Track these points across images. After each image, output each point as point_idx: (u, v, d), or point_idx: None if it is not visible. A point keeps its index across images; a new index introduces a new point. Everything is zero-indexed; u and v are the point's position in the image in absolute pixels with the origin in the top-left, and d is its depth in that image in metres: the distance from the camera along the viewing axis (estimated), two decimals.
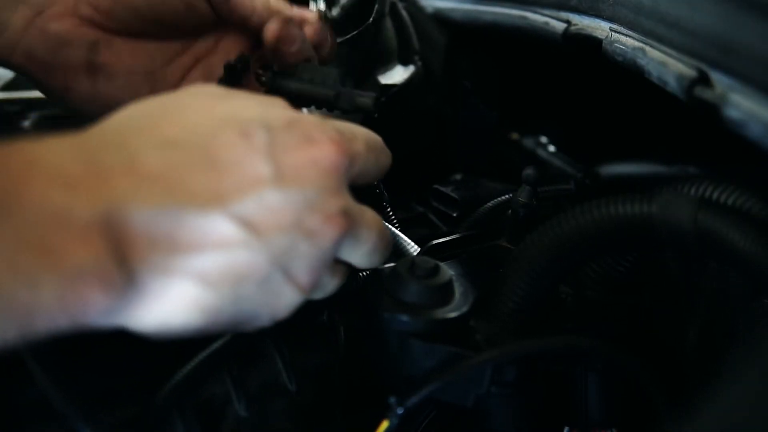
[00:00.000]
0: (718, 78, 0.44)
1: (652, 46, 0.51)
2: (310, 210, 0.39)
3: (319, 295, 0.43)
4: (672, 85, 0.47)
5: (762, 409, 0.31)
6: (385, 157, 0.46)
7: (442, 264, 0.48)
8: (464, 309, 0.46)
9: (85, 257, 0.33)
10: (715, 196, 0.45)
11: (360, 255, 0.44)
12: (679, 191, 0.47)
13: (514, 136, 0.84)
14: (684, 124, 0.60)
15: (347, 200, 0.41)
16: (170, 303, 0.37)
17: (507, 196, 0.62)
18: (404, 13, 0.76)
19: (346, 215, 0.41)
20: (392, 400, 0.43)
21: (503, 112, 0.80)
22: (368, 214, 0.43)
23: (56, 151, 0.35)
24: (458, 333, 0.46)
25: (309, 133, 0.41)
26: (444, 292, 0.47)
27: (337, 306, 0.51)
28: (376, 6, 0.63)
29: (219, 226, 0.37)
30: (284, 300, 0.40)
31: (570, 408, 0.52)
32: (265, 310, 0.40)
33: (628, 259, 0.51)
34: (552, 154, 0.78)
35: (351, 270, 0.45)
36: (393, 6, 0.72)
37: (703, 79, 0.45)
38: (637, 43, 0.52)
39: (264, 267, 0.38)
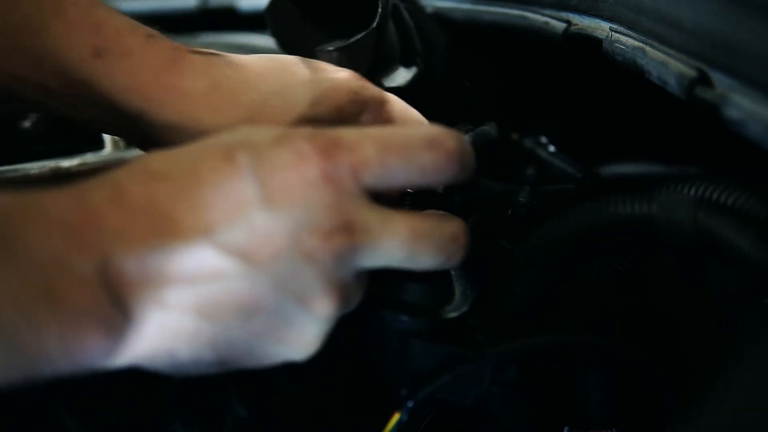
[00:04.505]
0: (718, 78, 0.44)
1: (652, 46, 0.51)
2: (305, 230, 0.37)
3: (348, 309, 0.42)
4: (672, 85, 0.47)
5: (762, 410, 0.31)
6: (427, 154, 0.40)
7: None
8: (464, 309, 0.46)
9: (85, 302, 0.34)
10: (715, 196, 0.45)
11: (397, 263, 0.41)
12: (679, 191, 0.47)
13: (514, 136, 0.84)
14: (684, 124, 0.60)
15: (353, 213, 0.38)
16: (171, 337, 0.37)
17: (507, 195, 0.62)
18: (406, 14, 0.76)
19: (348, 230, 0.38)
20: (403, 393, 0.43)
21: (503, 112, 0.80)
22: (395, 221, 0.40)
23: (54, 197, 0.35)
24: (458, 333, 0.46)
25: (298, 149, 0.38)
26: (444, 292, 0.47)
27: None
28: (380, 10, 0.63)
29: (207, 258, 0.36)
30: (309, 329, 0.39)
31: (570, 408, 0.52)
32: (287, 340, 0.39)
33: (628, 258, 0.51)
34: (552, 154, 0.78)
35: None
36: (395, 7, 0.72)
37: (704, 79, 0.45)
38: (637, 43, 0.52)
39: (269, 296, 0.37)
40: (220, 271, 0.36)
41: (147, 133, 0.49)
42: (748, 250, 0.41)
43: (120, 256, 0.35)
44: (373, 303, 0.46)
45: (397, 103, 0.53)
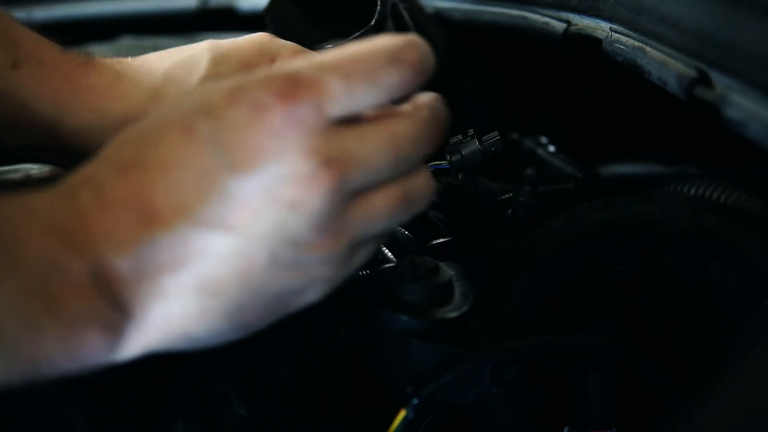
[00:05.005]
0: (718, 78, 0.44)
1: (652, 46, 0.51)
2: (282, 182, 0.35)
3: (377, 228, 0.39)
4: (672, 85, 0.47)
5: (762, 410, 0.31)
6: (397, 73, 0.38)
7: (442, 264, 0.48)
8: (464, 309, 0.46)
9: (82, 305, 0.34)
10: (715, 196, 0.45)
11: (388, 170, 0.38)
12: (679, 191, 0.47)
13: (514, 136, 0.84)
14: (684, 124, 0.60)
15: (328, 148, 0.36)
16: (180, 321, 0.37)
17: (507, 195, 0.62)
18: (405, 13, 0.76)
19: (329, 165, 0.36)
20: (408, 390, 0.43)
21: (503, 112, 0.80)
22: (368, 136, 0.38)
23: (46, 200, 0.36)
24: (458, 333, 0.46)
25: (255, 100, 0.36)
26: (444, 292, 0.47)
27: (337, 306, 0.51)
28: (378, 8, 0.63)
29: (192, 239, 0.36)
30: (319, 268, 0.38)
31: (570, 408, 0.52)
32: (302, 284, 0.38)
33: (628, 258, 0.51)
34: (552, 154, 0.78)
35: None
36: (394, 7, 0.72)
37: (703, 79, 0.45)
38: (637, 43, 0.52)
39: (264, 254, 0.36)
40: (209, 248, 0.36)
41: (67, 144, 0.52)
42: (748, 250, 0.41)
43: (111, 256, 0.35)
44: (373, 303, 0.46)
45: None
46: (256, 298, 0.37)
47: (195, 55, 0.55)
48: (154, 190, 0.36)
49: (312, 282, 0.38)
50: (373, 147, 0.38)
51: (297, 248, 0.37)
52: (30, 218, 0.35)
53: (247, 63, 0.53)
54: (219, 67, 0.53)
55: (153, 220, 0.35)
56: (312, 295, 0.39)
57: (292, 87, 0.36)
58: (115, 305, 0.35)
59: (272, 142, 0.35)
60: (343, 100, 0.37)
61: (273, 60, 0.54)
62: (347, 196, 0.37)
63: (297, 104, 0.36)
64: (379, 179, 0.38)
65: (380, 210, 0.39)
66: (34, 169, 0.61)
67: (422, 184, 0.40)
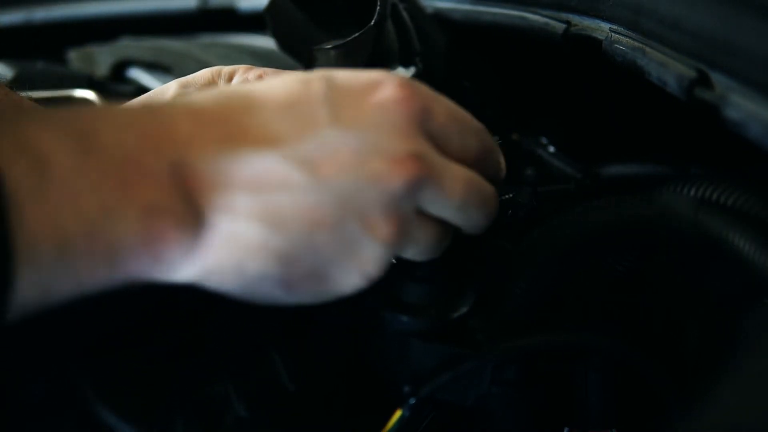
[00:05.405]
0: (718, 78, 0.44)
1: (651, 47, 0.51)
2: (374, 153, 0.38)
3: (415, 251, 0.43)
4: (672, 85, 0.47)
5: (762, 410, 0.31)
6: (476, 140, 0.43)
7: (442, 264, 0.48)
8: (464, 309, 0.46)
9: (160, 198, 0.35)
10: (715, 196, 0.45)
11: (450, 210, 0.42)
12: (679, 191, 0.47)
13: (514, 136, 0.84)
14: (684, 124, 0.60)
15: (422, 146, 0.40)
16: (239, 247, 0.37)
17: (507, 195, 0.62)
18: (405, 14, 0.76)
19: (419, 160, 0.39)
20: (405, 389, 0.44)
21: (503, 113, 0.80)
22: (454, 167, 0.42)
23: (122, 107, 0.38)
24: (458, 333, 0.46)
25: (373, 79, 0.40)
26: (444, 293, 0.47)
27: (337, 306, 0.51)
28: (378, 8, 0.63)
29: (275, 167, 0.37)
30: (368, 252, 0.39)
31: (570, 408, 0.52)
32: (349, 262, 0.39)
33: (628, 258, 0.51)
34: (552, 154, 0.78)
35: (456, 232, 0.44)
36: (394, 7, 0.72)
37: (703, 80, 0.45)
38: (636, 44, 0.52)
39: (333, 211, 0.38)
40: (287, 181, 0.37)
41: None
42: (748, 250, 0.41)
43: (192, 158, 0.36)
44: (374, 303, 0.46)
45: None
46: (310, 253, 0.38)
47: (164, 88, 0.58)
48: (251, 116, 0.38)
49: (354, 264, 0.40)
50: (452, 176, 0.41)
51: (360, 220, 0.39)
52: (106, 115, 0.37)
53: (210, 82, 0.57)
54: (186, 88, 0.56)
55: (242, 138, 0.37)
56: (348, 281, 0.40)
57: (409, 84, 0.41)
58: (191, 205, 0.36)
59: (380, 114, 0.39)
60: (440, 126, 0.41)
61: (231, 78, 0.57)
62: (417, 198, 0.40)
63: (407, 93, 0.40)
64: (441, 211, 0.42)
65: (428, 237, 0.42)
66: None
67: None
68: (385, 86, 0.40)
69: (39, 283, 0.33)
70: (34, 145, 0.33)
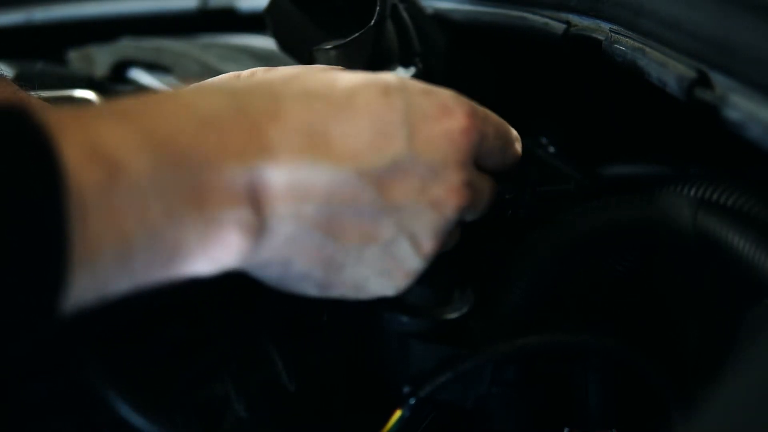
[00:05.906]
0: (718, 79, 0.44)
1: (651, 47, 0.51)
2: (436, 180, 0.40)
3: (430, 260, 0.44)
4: (672, 86, 0.47)
5: (762, 410, 0.31)
6: (513, 152, 0.47)
7: (442, 265, 0.48)
8: (464, 309, 0.46)
9: (228, 204, 0.35)
10: (715, 196, 0.45)
11: (473, 217, 0.45)
12: (679, 191, 0.47)
13: None
14: (684, 125, 0.60)
15: (472, 174, 0.42)
16: (294, 248, 0.38)
17: (507, 196, 0.62)
18: (405, 14, 0.76)
19: (470, 187, 0.42)
20: (405, 390, 0.44)
21: (503, 113, 0.80)
22: (486, 184, 0.45)
23: (209, 98, 0.36)
24: (458, 333, 0.46)
25: (445, 104, 0.42)
26: (444, 293, 0.47)
27: (337, 306, 0.51)
28: (378, 8, 0.63)
29: (351, 182, 0.38)
30: (407, 266, 0.41)
31: (570, 408, 0.52)
32: (388, 274, 0.41)
33: (628, 259, 0.51)
34: (552, 154, 0.78)
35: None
36: (394, 7, 0.72)
37: (703, 80, 0.45)
38: (636, 44, 0.52)
39: (390, 230, 0.40)
40: (357, 198, 0.38)
41: None
42: (748, 250, 0.41)
43: (273, 166, 0.36)
44: (374, 303, 0.46)
45: None
46: (357, 263, 0.40)
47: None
48: (333, 124, 0.38)
49: (391, 276, 0.41)
50: (491, 195, 0.45)
51: (411, 239, 0.41)
52: (186, 111, 0.35)
53: None
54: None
55: (323, 150, 0.37)
56: (380, 289, 0.42)
57: (473, 111, 0.42)
58: (257, 213, 0.36)
59: (445, 143, 0.41)
60: (489, 145, 0.43)
61: None
62: (461, 217, 0.43)
63: (473, 124, 0.42)
64: (467, 218, 0.44)
65: (453, 241, 0.45)
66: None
67: None
68: (455, 115, 0.41)
69: (95, 283, 0.32)
70: (107, 151, 0.31)
